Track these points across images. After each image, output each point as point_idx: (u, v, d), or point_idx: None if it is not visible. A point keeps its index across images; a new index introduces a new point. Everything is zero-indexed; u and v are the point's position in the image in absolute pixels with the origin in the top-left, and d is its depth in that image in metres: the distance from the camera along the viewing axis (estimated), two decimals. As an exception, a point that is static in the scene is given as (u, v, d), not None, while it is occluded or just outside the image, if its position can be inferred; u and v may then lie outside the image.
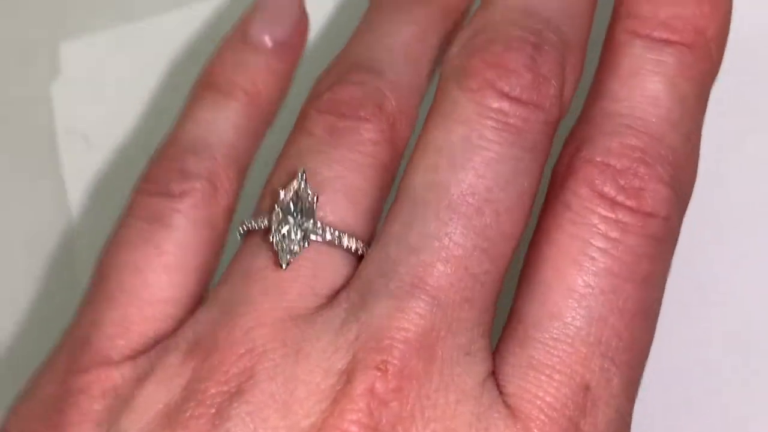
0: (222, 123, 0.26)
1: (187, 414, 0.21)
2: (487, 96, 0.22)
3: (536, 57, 0.23)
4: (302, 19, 0.28)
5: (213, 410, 0.21)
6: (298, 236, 0.23)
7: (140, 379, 0.23)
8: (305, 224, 0.23)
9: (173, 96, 0.29)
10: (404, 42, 0.25)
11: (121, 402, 0.22)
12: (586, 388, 0.21)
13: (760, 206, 0.27)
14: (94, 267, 0.25)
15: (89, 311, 0.24)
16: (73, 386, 0.23)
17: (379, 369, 0.21)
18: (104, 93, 0.31)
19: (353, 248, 0.23)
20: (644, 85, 0.23)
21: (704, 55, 0.23)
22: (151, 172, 0.26)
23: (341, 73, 0.25)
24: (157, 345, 0.23)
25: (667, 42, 0.23)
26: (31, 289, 0.31)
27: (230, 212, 0.25)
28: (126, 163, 0.30)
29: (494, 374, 0.22)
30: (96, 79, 0.31)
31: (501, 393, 0.22)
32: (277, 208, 0.23)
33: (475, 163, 0.22)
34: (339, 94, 0.24)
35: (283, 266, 0.23)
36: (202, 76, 0.27)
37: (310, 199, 0.23)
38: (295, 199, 0.23)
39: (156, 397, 0.22)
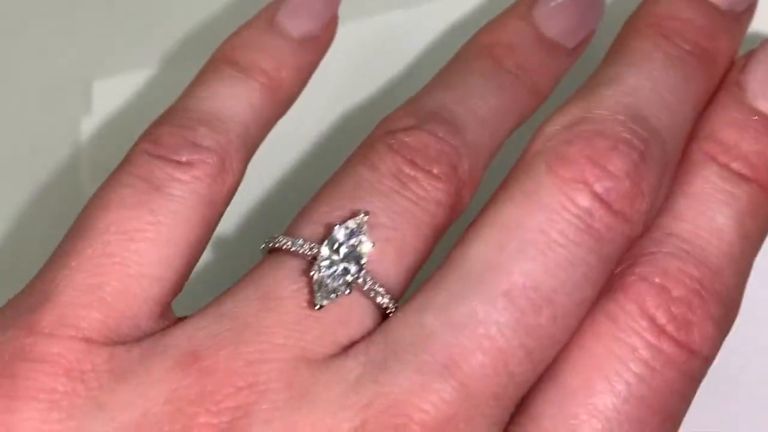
0: (239, 100, 0.25)
1: None
2: (579, 191, 0.21)
3: (641, 167, 0.21)
4: (333, 17, 0.26)
5: None
6: (342, 282, 0.21)
7: (115, 373, 0.20)
8: (351, 269, 0.21)
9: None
10: (489, 109, 0.24)
11: (88, 392, 0.20)
12: None
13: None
14: (78, 217, 0.23)
15: (65, 262, 0.22)
16: (33, 351, 0.20)
17: None
18: (132, 131, 0.32)
19: (384, 305, 0.21)
20: (712, 214, 0.22)
21: None
22: (159, 133, 0.24)
23: (420, 118, 0.23)
24: (141, 340, 0.21)
25: (743, 177, 0.22)
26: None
27: (231, 196, 0.24)
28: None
29: None
30: (125, 118, 0.32)
31: None
32: (329, 243, 0.21)
33: (547, 258, 0.21)
34: (415, 139, 0.23)
35: (317, 307, 0.21)
36: (221, 51, 0.26)
37: (364, 246, 0.21)
38: (349, 240, 0.21)
39: (132, 399, 0.20)
